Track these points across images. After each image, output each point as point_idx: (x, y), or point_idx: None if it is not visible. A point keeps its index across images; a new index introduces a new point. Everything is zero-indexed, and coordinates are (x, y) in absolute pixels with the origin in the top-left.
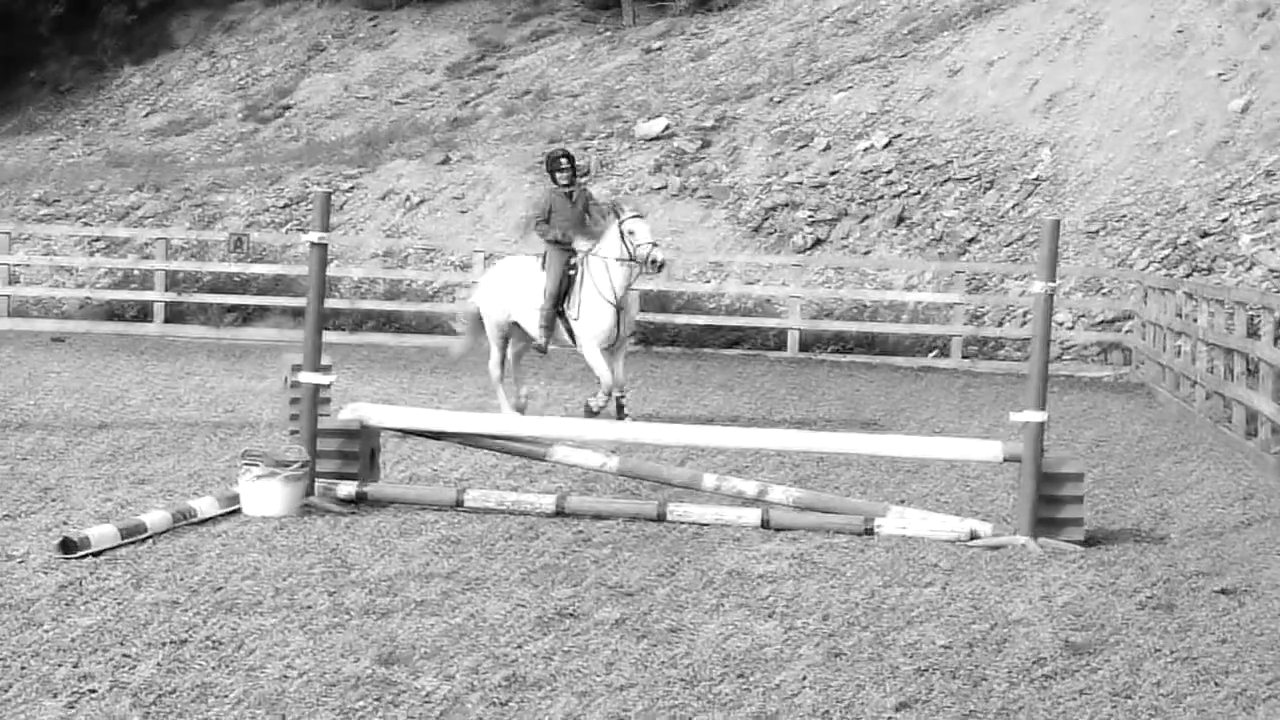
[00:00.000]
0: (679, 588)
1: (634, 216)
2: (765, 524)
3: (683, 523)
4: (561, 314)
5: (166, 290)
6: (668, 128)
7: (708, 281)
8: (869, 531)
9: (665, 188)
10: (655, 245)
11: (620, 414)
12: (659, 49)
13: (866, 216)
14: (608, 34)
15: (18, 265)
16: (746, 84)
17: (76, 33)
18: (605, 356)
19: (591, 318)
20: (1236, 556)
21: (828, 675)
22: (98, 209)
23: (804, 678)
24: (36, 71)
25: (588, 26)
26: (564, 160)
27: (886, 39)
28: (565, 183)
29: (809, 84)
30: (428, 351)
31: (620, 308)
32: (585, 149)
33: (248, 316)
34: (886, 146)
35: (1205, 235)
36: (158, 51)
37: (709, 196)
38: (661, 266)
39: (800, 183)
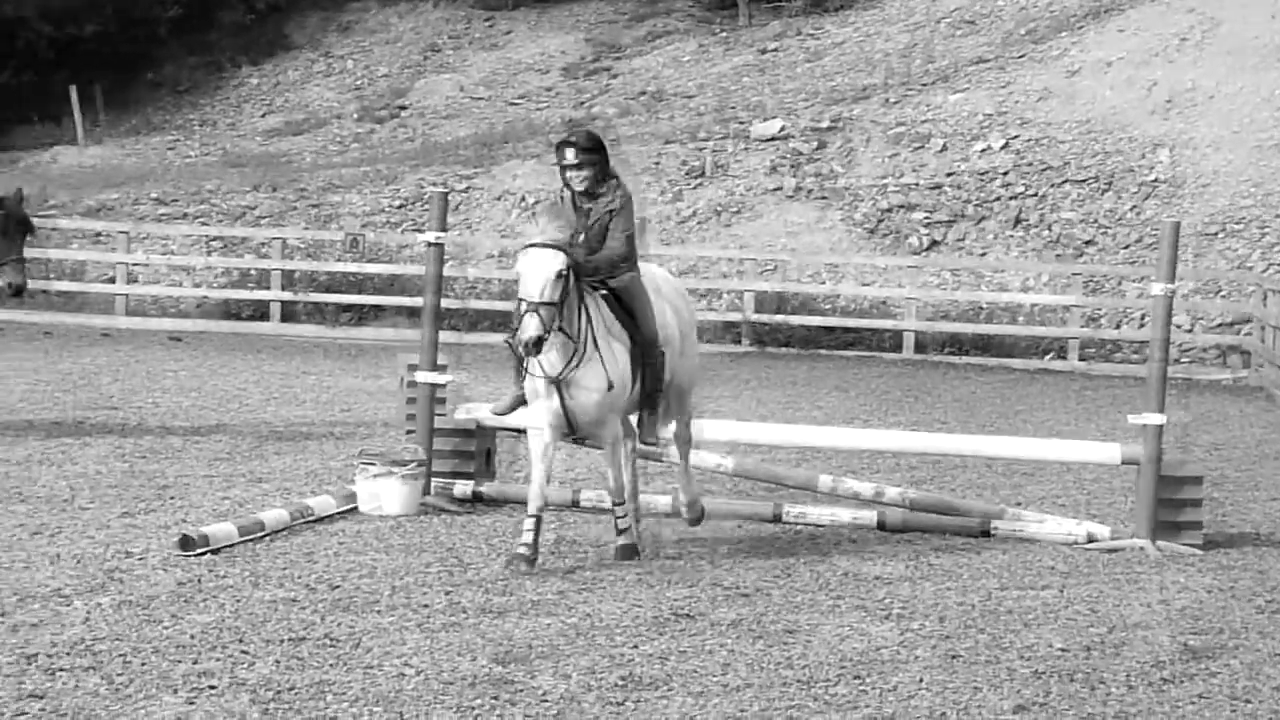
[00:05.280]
0: (794, 589)
1: (530, 245)
2: (881, 525)
3: (798, 524)
4: None
5: (283, 290)
6: (783, 129)
7: (823, 283)
8: (985, 534)
9: (780, 189)
10: (532, 310)
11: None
12: (774, 50)
13: (983, 218)
14: (723, 35)
15: (136, 265)
16: (862, 85)
17: (194, 34)
18: (546, 455)
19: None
20: None
21: (944, 678)
22: (215, 209)
23: (920, 680)
24: (154, 73)
25: (703, 27)
26: (569, 150)
27: (1004, 40)
28: (579, 186)
29: (925, 85)
30: None
31: (560, 384)
32: (700, 149)
33: (363, 316)
34: (1003, 148)
35: None
36: (274, 52)
37: (824, 198)
38: (530, 349)
39: (916, 184)
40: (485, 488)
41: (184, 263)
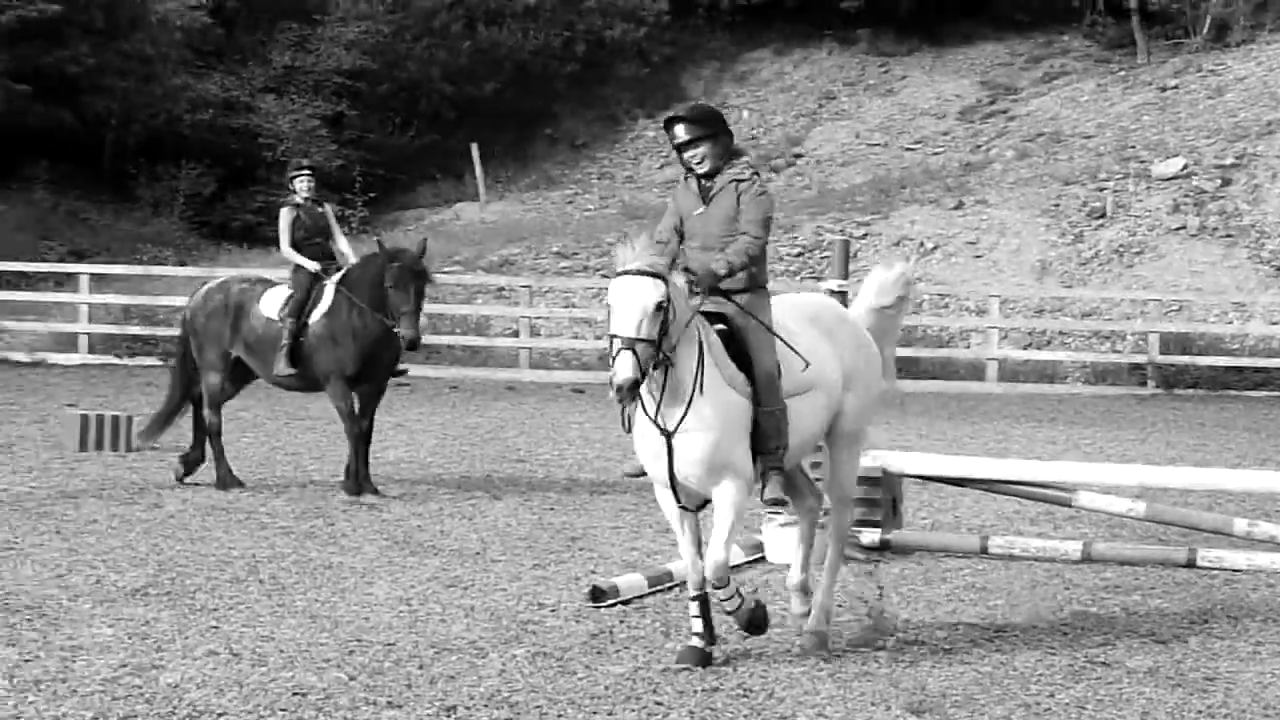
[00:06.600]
0: (1212, 635)
1: (623, 273)
2: None
3: (1214, 569)
4: None
5: None
6: (1185, 167)
7: (1230, 322)
8: None
9: (1184, 228)
10: (626, 348)
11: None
12: (1175, 87)
13: None
14: (1122, 74)
15: (539, 318)
16: (1267, 120)
17: (591, 88)
18: (685, 522)
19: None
20: None
21: None
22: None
23: None
24: (552, 128)
25: (1101, 67)
26: (679, 127)
27: None
28: (700, 167)
29: None
30: (943, 397)
31: (666, 433)
32: (1101, 190)
33: None
34: None
35: None
36: (670, 104)
37: (1230, 236)
38: (624, 395)
39: None
40: (892, 535)
41: (585, 315)
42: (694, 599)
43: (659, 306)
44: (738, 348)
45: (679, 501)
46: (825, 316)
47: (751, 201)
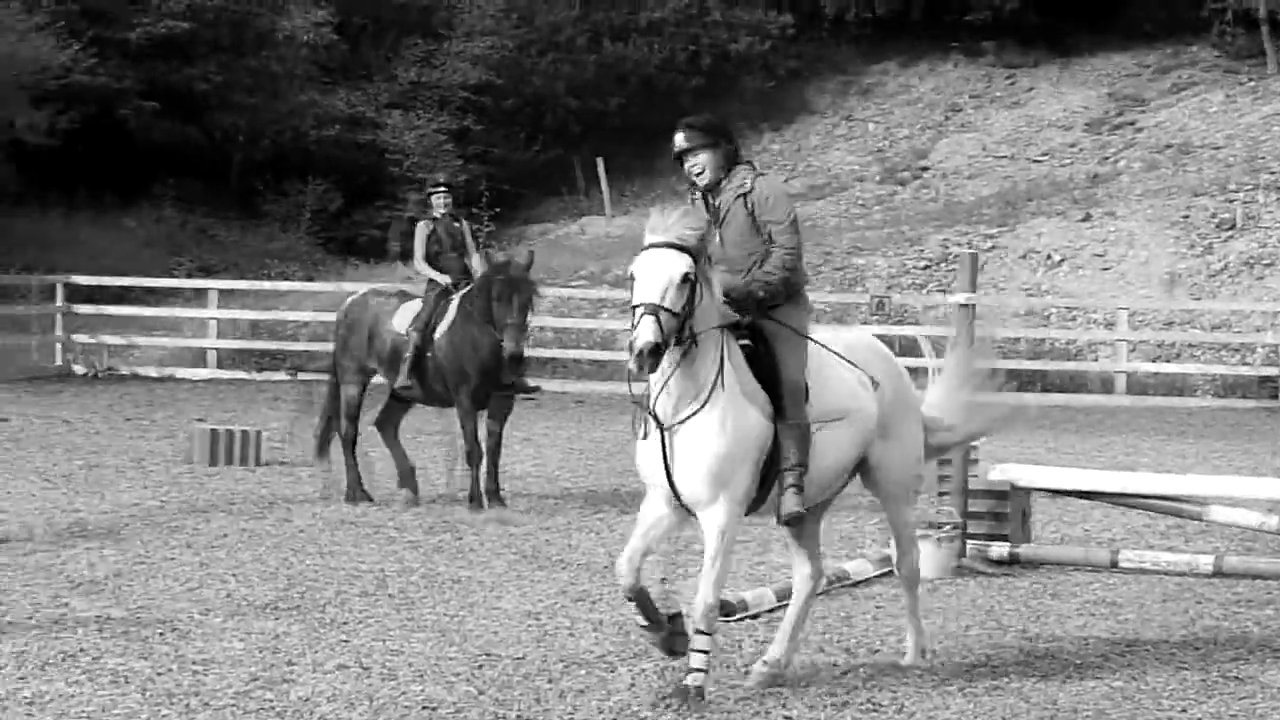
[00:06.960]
0: None
1: (649, 246)
2: None
3: None
4: None
5: None
6: None
7: None
8: None
9: None
10: (649, 312)
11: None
12: None
13: None
14: (1251, 84)
15: None
16: None
17: (716, 101)
18: (647, 525)
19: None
20: None
21: None
22: None
23: None
24: None
25: (1230, 77)
26: (679, 135)
27: None
28: (700, 178)
29: None
30: (1071, 411)
31: (665, 428)
32: (1230, 201)
33: None
34: None
35: None
36: (795, 117)
37: None
38: (644, 360)
39: None
40: (1022, 550)
41: None
42: (629, 599)
43: (685, 278)
44: (765, 363)
45: (678, 505)
46: (868, 355)
47: (767, 209)
